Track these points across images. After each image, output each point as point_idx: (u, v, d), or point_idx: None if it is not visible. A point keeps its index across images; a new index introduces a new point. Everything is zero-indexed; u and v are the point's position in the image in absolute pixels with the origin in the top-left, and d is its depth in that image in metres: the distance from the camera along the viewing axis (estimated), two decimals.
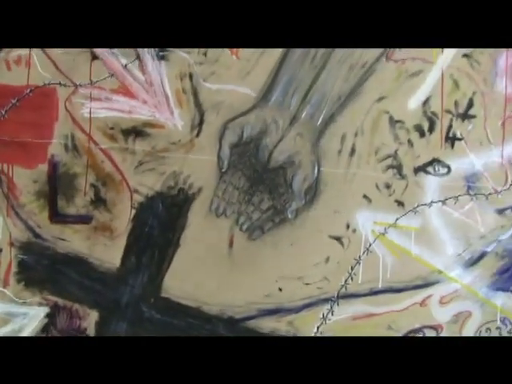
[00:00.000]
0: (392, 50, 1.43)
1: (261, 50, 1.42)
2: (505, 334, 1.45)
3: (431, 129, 1.45)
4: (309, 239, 1.45)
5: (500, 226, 1.46)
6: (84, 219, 1.46)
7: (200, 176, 1.45)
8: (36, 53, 1.43)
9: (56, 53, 1.43)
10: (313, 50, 1.43)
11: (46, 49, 1.43)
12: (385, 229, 1.45)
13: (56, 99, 1.46)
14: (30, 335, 1.46)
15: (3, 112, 1.43)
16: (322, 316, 1.45)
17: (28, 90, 1.45)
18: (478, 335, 1.46)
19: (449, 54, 1.43)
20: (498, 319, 1.47)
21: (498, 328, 1.45)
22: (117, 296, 1.46)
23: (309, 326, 1.45)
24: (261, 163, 1.44)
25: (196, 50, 1.43)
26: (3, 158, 1.45)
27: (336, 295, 1.46)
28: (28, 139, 1.45)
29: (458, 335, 1.46)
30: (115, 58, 1.43)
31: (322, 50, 1.43)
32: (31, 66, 1.44)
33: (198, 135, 1.45)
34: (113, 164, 1.46)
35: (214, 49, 1.43)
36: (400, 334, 1.44)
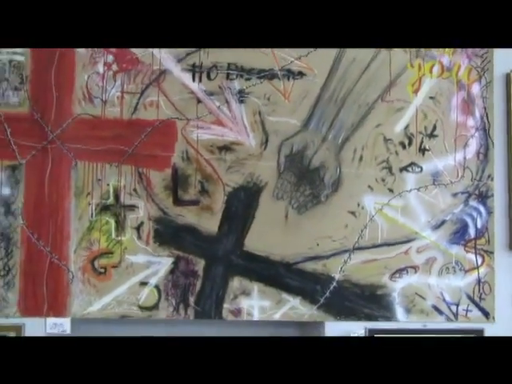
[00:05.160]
0: (386, 93, 2.17)
1: (303, 94, 2.15)
2: (457, 271, 2.16)
3: (410, 144, 2.16)
4: (334, 213, 2.13)
5: (454, 204, 2.17)
6: (194, 203, 2.10)
7: (266, 175, 2.12)
8: (162, 99, 2.13)
9: (174, 98, 2.13)
10: (335, 95, 2.17)
11: (168, 95, 2.14)
12: (382, 206, 2.14)
13: (175, 128, 2.11)
14: (162, 276, 2.06)
15: (143, 136, 2.10)
16: (343, 261, 2.12)
17: (158, 123, 2.10)
18: (440, 273, 2.15)
19: (420, 96, 2.17)
20: (453, 262, 2.16)
21: (453, 267, 2.15)
22: (216, 250, 2.10)
23: (335, 267, 2.12)
24: (304, 167, 2.14)
25: (262, 95, 2.13)
26: (143, 165, 2.09)
27: (352, 248, 2.12)
28: (159, 153, 2.10)
29: (428, 273, 2.15)
30: (212, 102, 2.13)
31: (342, 93, 2.15)
32: (159, 107, 2.11)
33: (265, 149, 2.13)
34: (212, 168, 2.11)
35: (274, 96, 2.12)
36: (392, 272, 2.13)
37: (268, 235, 2.13)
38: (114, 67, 2.15)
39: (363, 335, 2.13)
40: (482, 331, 2.16)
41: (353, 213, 2.15)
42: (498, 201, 2.19)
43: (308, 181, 2.15)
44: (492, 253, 2.18)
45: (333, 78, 2.16)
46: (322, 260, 2.13)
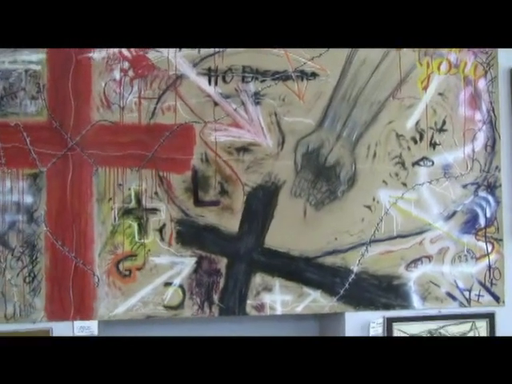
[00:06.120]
0: (396, 91, 2.23)
1: (317, 95, 2.20)
2: (469, 259, 2.26)
3: (421, 139, 2.24)
4: (351, 208, 2.20)
5: (464, 195, 2.25)
6: (215, 203, 2.15)
7: (284, 174, 2.18)
8: (179, 103, 2.17)
9: (191, 102, 2.17)
10: (348, 94, 2.23)
11: (185, 99, 2.17)
12: (396, 200, 2.22)
13: (194, 131, 2.15)
14: (186, 275, 2.11)
15: (162, 141, 2.13)
16: (361, 253, 2.20)
17: (176, 126, 2.14)
18: (453, 261, 2.24)
19: (429, 93, 2.25)
20: (465, 250, 2.25)
21: (465, 255, 2.24)
22: (237, 248, 2.15)
23: (353, 260, 2.20)
24: (320, 164, 2.20)
25: (277, 96, 2.18)
26: (164, 168, 2.13)
27: (369, 241, 2.20)
28: (178, 156, 2.14)
29: (442, 262, 2.24)
30: (228, 104, 2.18)
31: (354, 92, 2.22)
32: (177, 111, 2.15)
33: (281, 149, 2.18)
34: (231, 169, 2.16)
35: (289, 97, 2.17)
36: (407, 262, 2.21)
37: (287, 232, 2.19)
38: (131, 73, 2.18)
39: (382, 324, 2.21)
40: (493, 315, 2.27)
41: (368, 207, 2.22)
42: (506, 190, 2.29)
43: (324, 178, 2.21)
44: (501, 240, 2.28)
45: (345, 78, 2.22)
46: (340, 253, 2.21)
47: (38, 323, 2.12)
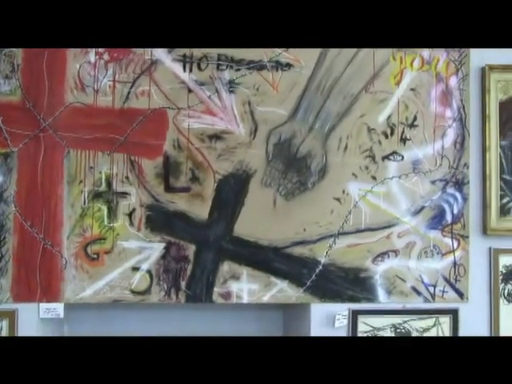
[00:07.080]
0: (369, 85, 2.26)
1: (291, 85, 2.22)
2: (435, 254, 2.27)
3: (392, 133, 2.25)
4: (320, 200, 2.21)
5: (432, 190, 2.27)
6: (185, 190, 2.15)
7: (255, 163, 2.18)
8: (154, 88, 2.18)
9: (166, 88, 2.17)
10: (321, 86, 2.25)
11: (160, 85, 2.18)
12: (365, 193, 2.23)
13: (167, 117, 2.15)
14: (154, 261, 2.12)
15: (134, 125, 2.14)
16: (329, 245, 2.21)
17: (149, 111, 2.15)
18: (419, 256, 2.26)
19: (402, 88, 2.27)
20: (431, 246, 2.27)
21: (431, 251, 2.26)
22: (206, 236, 2.16)
23: (321, 251, 2.20)
24: (292, 155, 2.21)
25: (251, 85, 2.18)
26: (135, 153, 2.14)
27: (337, 233, 2.21)
28: (150, 141, 2.15)
29: (408, 256, 2.25)
30: (203, 92, 2.19)
31: (328, 84, 2.23)
32: (151, 96, 2.16)
33: (254, 138, 2.19)
34: (203, 156, 2.16)
35: (263, 86, 2.18)
36: (374, 256, 2.23)
37: (257, 221, 2.19)
38: (106, 56, 2.18)
39: (347, 316, 2.23)
40: (456, 311, 2.29)
41: (338, 199, 2.23)
42: (473, 188, 2.31)
43: (295, 168, 2.22)
44: (467, 237, 2.30)
45: (319, 70, 2.23)
46: (308, 244, 2.22)
47: (4, 304, 2.11)
